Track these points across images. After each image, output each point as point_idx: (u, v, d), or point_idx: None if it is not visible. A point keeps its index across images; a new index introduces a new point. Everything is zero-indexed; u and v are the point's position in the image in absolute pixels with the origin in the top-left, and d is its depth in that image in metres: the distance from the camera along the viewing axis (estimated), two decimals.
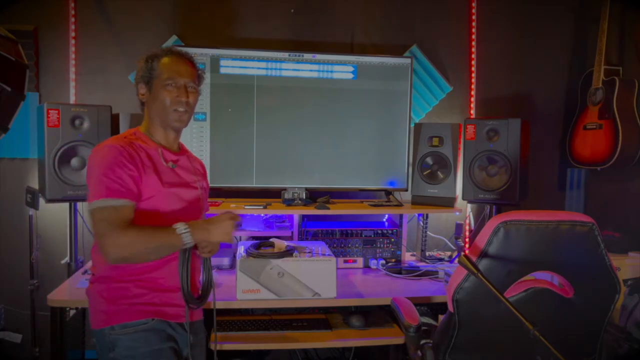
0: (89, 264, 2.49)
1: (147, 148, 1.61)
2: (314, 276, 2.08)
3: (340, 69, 2.78)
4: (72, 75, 2.78)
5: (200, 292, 1.72)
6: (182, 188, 1.64)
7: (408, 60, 2.83)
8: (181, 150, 1.76)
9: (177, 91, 1.62)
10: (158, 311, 1.56)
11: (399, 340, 2.10)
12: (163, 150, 1.65)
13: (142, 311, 1.53)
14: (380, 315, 2.30)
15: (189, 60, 1.69)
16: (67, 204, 2.50)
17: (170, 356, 1.57)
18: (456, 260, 2.01)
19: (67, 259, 2.56)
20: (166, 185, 1.58)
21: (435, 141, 2.73)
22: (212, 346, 2.03)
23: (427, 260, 2.79)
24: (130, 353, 1.51)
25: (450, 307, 1.66)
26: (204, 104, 2.67)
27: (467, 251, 1.67)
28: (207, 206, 1.86)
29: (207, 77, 2.66)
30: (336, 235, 2.69)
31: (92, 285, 1.58)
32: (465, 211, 3.10)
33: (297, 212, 2.62)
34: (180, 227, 1.46)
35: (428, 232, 2.85)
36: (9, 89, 1.83)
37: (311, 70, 2.76)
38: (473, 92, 3.17)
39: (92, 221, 1.45)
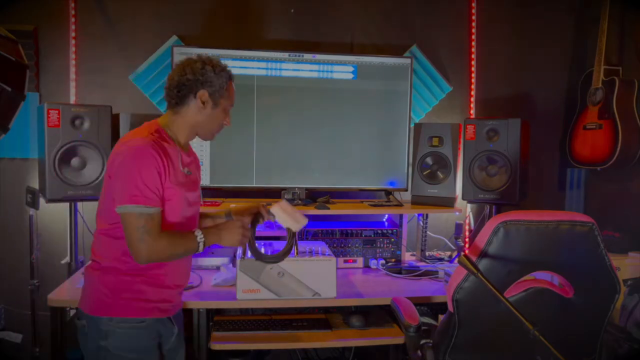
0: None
1: (170, 150, 1.61)
2: (314, 276, 2.08)
3: (340, 69, 2.78)
4: (72, 75, 2.78)
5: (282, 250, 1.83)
6: (191, 192, 1.69)
7: (408, 60, 2.84)
8: (189, 149, 1.78)
9: (229, 118, 1.73)
10: (153, 308, 1.61)
11: (399, 340, 2.10)
12: (182, 155, 1.66)
13: (141, 308, 1.59)
14: (380, 315, 2.30)
15: None
16: (67, 204, 2.50)
17: (156, 352, 1.64)
18: (456, 260, 2.02)
19: (67, 258, 2.57)
20: (181, 190, 1.61)
21: (435, 141, 2.73)
22: (211, 346, 2.04)
23: (427, 260, 2.79)
24: (121, 345, 1.56)
25: (450, 307, 1.66)
26: None
27: (467, 251, 1.67)
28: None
29: None
30: (336, 235, 2.69)
31: (96, 273, 1.61)
32: (465, 211, 3.10)
33: None
34: (199, 235, 1.56)
35: (428, 232, 2.85)
36: (9, 89, 1.83)
37: (311, 71, 2.76)
38: (473, 92, 3.16)
39: (126, 223, 1.50)
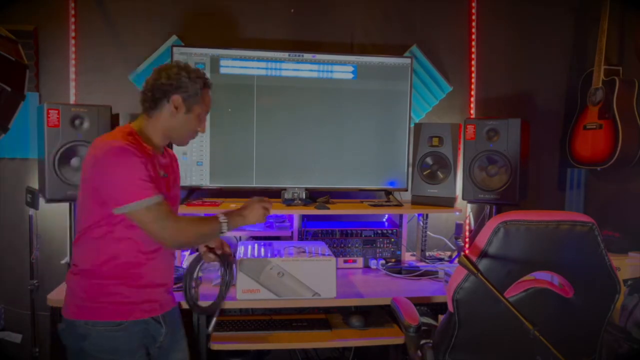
0: None
1: (145, 152, 1.63)
2: (314, 276, 2.08)
3: (340, 69, 2.78)
4: (72, 75, 2.78)
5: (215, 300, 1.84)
6: (167, 192, 1.69)
7: (408, 60, 2.83)
8: (166, 151, 1.80)
9: (204, 125, 1.76)
10: (133, 310, 1.62)
11: (399, 340, 2.10)
12: (158, 158, 1.69)
13: (119, 311, 1.60)
14: (380, 315, 2.30)
15: None
16: (67, 204, 2.50)
17: (140, 354, 1.64)
18: (456, 260, 2.01)
19: (67, 258, 2.57)
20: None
21: (435, 141, 2.73)
22: (211, 346, 2.03)
23: (427, 260, 2.79)
24: (99, 347, 1.58)
25: (450, 307, 1.66)
26: None
27: (467, 251, 1.67)
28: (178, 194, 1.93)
29: None
30: (336, 235, 2.69)
31: (75, 277, 1.63)
32: (465, 211, 3.10)
33: (297, 212, 2.62)
34: (221, 216, 1.63)
35: (428, 232, 2.85)
36: (9, 89, 1.84)
37: (311, 70, 2.76)
38: (473, 92, 3.16)
39: (138, 221, 1.53)
